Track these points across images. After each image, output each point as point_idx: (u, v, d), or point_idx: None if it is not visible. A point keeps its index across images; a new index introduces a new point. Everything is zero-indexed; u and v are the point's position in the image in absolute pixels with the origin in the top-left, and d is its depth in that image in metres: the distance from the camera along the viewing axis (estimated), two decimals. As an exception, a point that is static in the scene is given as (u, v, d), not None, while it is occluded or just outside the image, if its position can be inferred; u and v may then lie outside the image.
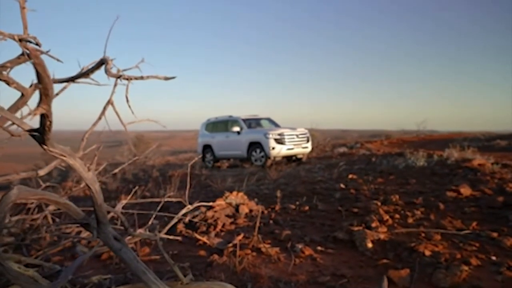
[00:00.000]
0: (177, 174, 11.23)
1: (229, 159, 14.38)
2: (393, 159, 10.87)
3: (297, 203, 5.46)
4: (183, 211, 3.39)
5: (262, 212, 4.90)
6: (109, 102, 2.63)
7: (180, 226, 4.29)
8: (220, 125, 14.07)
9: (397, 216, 4.30)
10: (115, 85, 2.56)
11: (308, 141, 12.80)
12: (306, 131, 12.96)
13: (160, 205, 3.75)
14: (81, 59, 2.40)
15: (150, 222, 3.60)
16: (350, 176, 7.68)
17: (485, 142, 17.89)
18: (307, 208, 5.06)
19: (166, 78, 1.82)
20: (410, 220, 4.16)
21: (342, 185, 6.57)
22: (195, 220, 4.44)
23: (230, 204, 4.90)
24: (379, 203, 4.87)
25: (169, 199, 3.87)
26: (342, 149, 16.79)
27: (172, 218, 4.12)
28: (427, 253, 3.13)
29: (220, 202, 4.87)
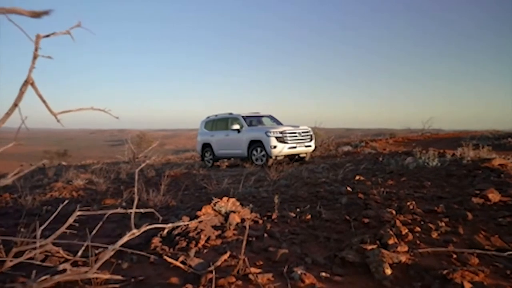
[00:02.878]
0: (171, 174, 10.47)
1: (229, 159, 13.61)
2: (401, 158, 10.02)
3: (298, 210, 4.66)
4: (125, 238, 2.57)
5: (257, 222, 4.10)
6: (27, 82, 1.83)
7: (156, 241, 3.50)
8: (220, 123, 13.30)
9: (417, 229, 3.48)
10: (34, 57, 1.78)
11: (311, 139, 11.98)
12: (309, 129, 12.14)
13: (107, 215, 2.95)
14: None
15: (82, 249, 2.79)
16: (357, 177, 6.86)
17: (495, 141, 16.97)
18: (309, 216, 4.25)
19: (35, 14, 1.05)
20: (434, 235, 3.35)
21: (348, 188, 5.76)
22: (176, 232, 3.66)
23: (219, 212, 4.11)
24: (393, 212, 4.06)
25: (138, 210, 3.08)
26: (346, 148, 15.95)
27: (159, 228, 3.36)
28: (467, 285, 2.32)
29: (207, 210, 4.08)
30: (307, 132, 11.92)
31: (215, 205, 4.14)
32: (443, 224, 3.62)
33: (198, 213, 3.99)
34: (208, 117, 14.00)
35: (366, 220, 3.88)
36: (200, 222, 3.79)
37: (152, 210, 3.02)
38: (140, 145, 24.94)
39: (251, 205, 4.92)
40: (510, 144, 14.76)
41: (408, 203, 4.32)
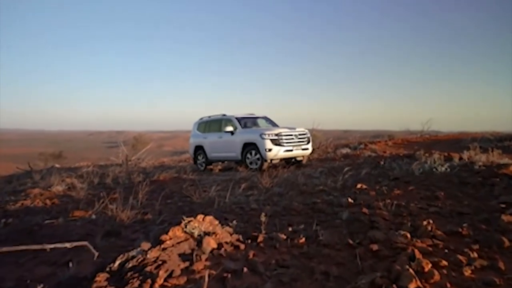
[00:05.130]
0: (160, 179, 9.59)
1: (223, 162, 12.73)
2: (404, 162, 9.16)
3: (290, 229, 3.78)
4: None
5: (238, 247, 3.23)
6: None
7: (101, 278, 2.62)
8: (213, 124, 12.41)
9: (443, 262, 2.60)
10: None
11: (308, 142, 11.08)
12: (306, 131, 11.24)
13: None
14: None
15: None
16: (359, 185, 5.98)
17: (497, 143, 16.07)
18: (303, 239, 3.37)
19: None
20: (467, 272, 2.47)
21: (349, 199, 4.89)
22: (131, 265, 2.78)
23: (191, 235, 3.23)
24: (407, 234, 3.18)
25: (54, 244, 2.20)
26: (345, 150, 15.06)
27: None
28: None
29: (175, 232, 3.20)
30: (304, 134, 11.03)
31: (186, 226, 3.26)
32: (475, 254, 2.74)
33: (163, 237, 3.11)
34: (201, 119, 13.13)
35: (375, 247, 2.99)
36: (164, 249, 2.92)
37: (85, 243, 2.14)
38: (136, 147, 24.09)
39: (234, 222, 4.05)
40: (516, 147, 13.85)
41: (424, 222, 3.44)
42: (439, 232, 3.24)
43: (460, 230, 3.29)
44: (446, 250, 2.88)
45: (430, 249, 2.89)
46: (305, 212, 4.71)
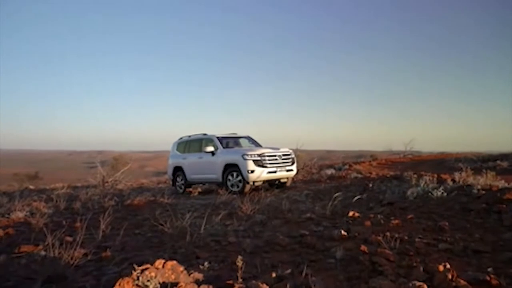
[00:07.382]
0: (134, 203, 8.68)
1: (204, 184, 11.88)
2: (393, 184, 8.57)
3: (274, 274, 3.00)
4: None
5: (205, 306, 2.43)
6: None
7: None
8: (193, 144, 11.59)
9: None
10: None
11: (293, 163, 10.35)
12: (291, 151, 10.52)
13: None
14: None
15: None
16: (351, 213, 5.27)
17: (482, 163, 15.75)
18: (290, 292, 2.60)
19: None
20: None
21: (342, 231, 4.16)
22: None
23: (144, 289, 2.42)
24: (424, 286, 2.45)
25: None
26: (329, 171, 14.41)
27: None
28: None
29: (124, 285, 2.39)
30: (289, 154, 10.32)
31: (138, 277, 2.45)
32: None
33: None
34: (180, 138, 12.32)
35: (385, 306, 2.25)
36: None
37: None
38: (116, 167, 23.01)
39: (206, 264, 3.24)
40: (502, 167, 13.47)
41: (440, 267, 2.72)
42: (462, 283, 2.52)
43: (487, 278, 2.58)
44: (479, 311, 2.16)
45: (458, 309, 2.16)
46: (291, 247, 3.94)
